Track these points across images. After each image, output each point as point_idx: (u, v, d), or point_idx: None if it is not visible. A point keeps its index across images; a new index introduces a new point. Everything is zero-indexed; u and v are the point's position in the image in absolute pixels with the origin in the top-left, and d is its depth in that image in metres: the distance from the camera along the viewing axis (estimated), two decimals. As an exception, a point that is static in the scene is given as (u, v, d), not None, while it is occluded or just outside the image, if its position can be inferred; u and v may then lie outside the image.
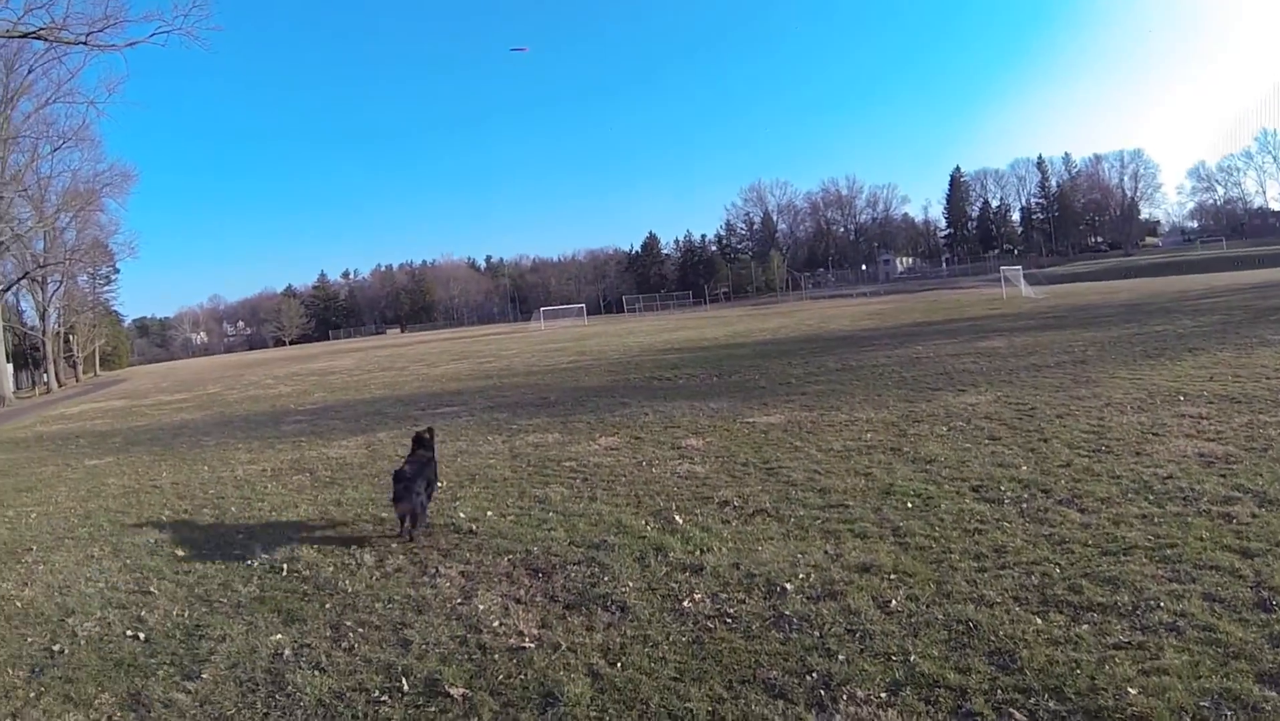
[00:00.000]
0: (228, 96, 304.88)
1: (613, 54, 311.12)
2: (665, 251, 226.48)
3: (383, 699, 5.52)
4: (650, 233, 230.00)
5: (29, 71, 50.92)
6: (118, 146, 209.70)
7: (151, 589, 8.39)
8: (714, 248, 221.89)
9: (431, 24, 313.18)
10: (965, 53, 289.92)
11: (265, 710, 5.53)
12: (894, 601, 6.37)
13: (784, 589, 6.80)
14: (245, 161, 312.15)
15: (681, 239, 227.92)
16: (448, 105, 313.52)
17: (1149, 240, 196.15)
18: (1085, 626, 5.65)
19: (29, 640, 7.29)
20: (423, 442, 10.57)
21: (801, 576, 7.05)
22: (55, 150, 59.72)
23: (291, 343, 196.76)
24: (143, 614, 7.65)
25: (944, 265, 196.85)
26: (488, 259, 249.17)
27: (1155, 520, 7.70)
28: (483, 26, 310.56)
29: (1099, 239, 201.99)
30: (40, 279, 76.17)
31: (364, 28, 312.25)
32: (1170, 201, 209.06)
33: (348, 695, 5.62)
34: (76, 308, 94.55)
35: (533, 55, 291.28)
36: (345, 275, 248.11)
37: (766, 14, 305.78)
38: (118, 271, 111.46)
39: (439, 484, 11.07)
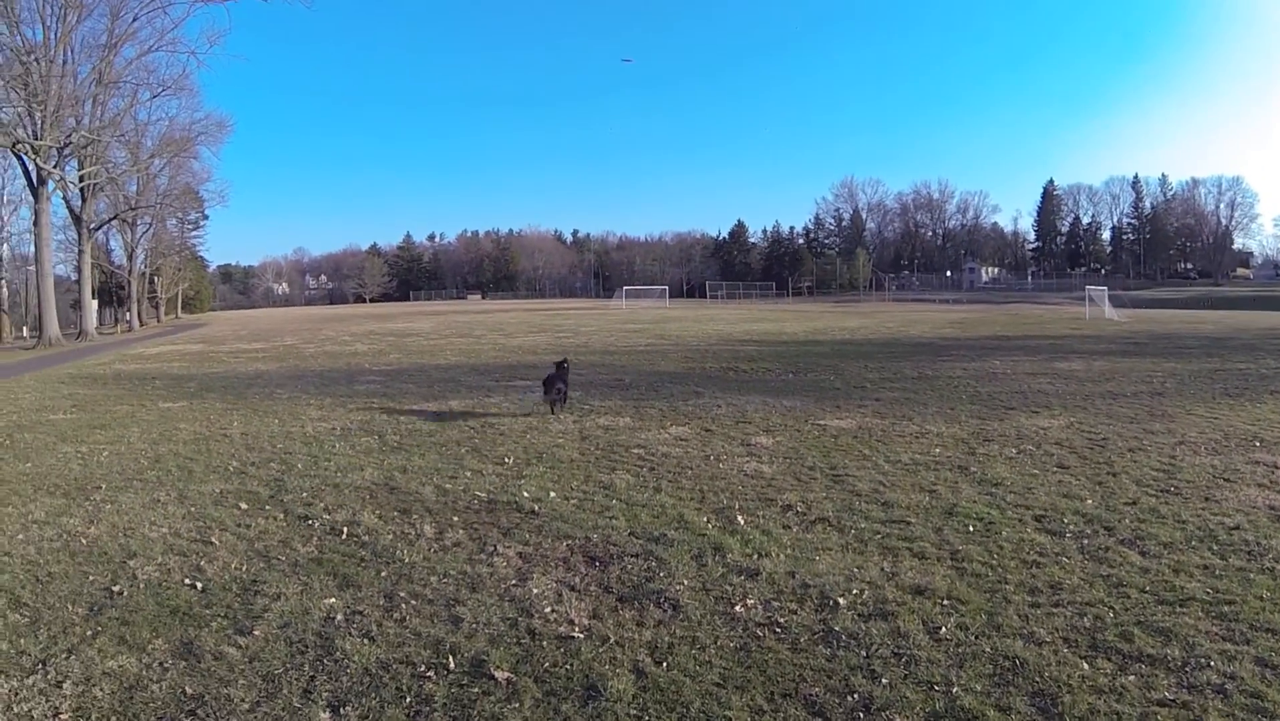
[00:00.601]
0: (326, 55, 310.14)
1: (719, 36, 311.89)
2: (752, 240, 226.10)
3: (428, 674, 5.49)
4: (739, 220, 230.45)
5: (134, 19, 51.79)
6: (215, 97, 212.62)
7: (213, 539, 8.48)
8: (801, 240, 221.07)
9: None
10: (1069, 64, 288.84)
11: (312, 673, 5.53)
12: (944, 628, 6.22)
13: (837, 603, 6.69)
14: (339, 120, 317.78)
15: (769, 229, 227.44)
16: (554, 77, 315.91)
17: (1240, 271, 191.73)
18: (1132, 677, 5.45)
19: (90, 578, 7.39)
20: (561, 367, 17.47)
21: (855, 592, 6.94)
22: (154, 97, 60.59)
23: (372, 300, 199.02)
24: (202, 563, 7.72)
25: (1029, 278, 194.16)
26: (574, 233, 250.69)
27: (1216, 572, 7.43)
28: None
29: (1189, 265, 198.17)
30: (130, 220, 77.84)
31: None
32: (1266, 234, 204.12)
33: (394, 667, 5.60)
34: (163, 250, 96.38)
35: (635, 33, 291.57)
36: (431, 238, 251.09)
37: (870, 9, 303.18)
38: (206, 218, 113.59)
39: (569, 391, 17.22)
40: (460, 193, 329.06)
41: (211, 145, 72.33)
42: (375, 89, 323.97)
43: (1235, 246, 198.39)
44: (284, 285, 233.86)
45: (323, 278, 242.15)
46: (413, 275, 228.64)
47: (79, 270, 57.86)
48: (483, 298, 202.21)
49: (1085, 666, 5.62)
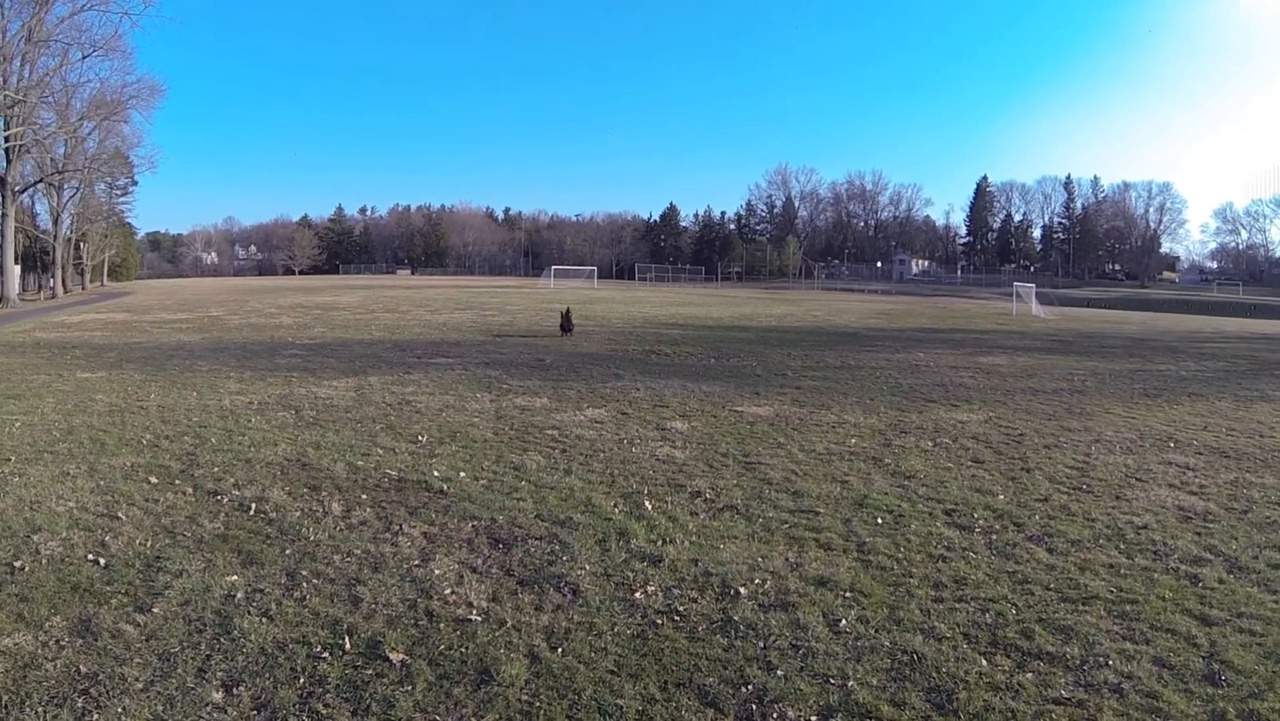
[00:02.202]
0: (262, 22, 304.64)
1: (660, 21, 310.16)
2: (683, 224, 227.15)
3: (323, 655, 5.53)
4: (671, 203, 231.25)
5: (67, -26, 50.71)
6: (148, 60, 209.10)
7: (120, 514, 8.44)
8: (732, 226, 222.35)
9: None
10: (1005, 60, 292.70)
11: (209, 652, 5.54)
12: (844, 621, 6.32)
13: (738, 592, 6.78)
14: (274, 89, 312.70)
15: (701, 213, 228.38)
16: (484, 53, 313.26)
17: (1167, 275, 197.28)
18: (1029, 675, 5.57)
19: (-8, 552, 7.33)
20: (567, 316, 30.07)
21: (757, 582, 7.03)
22: (85, 57, 59.44)
23: (301, 272, 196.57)
24: (107, 539, 7.68)
25: (959, 272, 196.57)
26: (506, 210, 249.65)
27: (1121, 571, 7.61)
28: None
29: (1116, 267, 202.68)
30: (57, 184, 76.49)
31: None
32: (1193, 239, 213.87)
33: (290, 646, 5.64)
34: (90, 216, 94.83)
35: (574, 13, 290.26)
36: (362, 211, 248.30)
37: (810, 4, 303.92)
38: (135, 184, 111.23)
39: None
40: (394, 166, 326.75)
41: (143, 109, 71.16)
42: (310, 59, 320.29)
43: (1163, 250, 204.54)
44: (213, 255, 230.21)
45: (252, 248, 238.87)
46: (343, 248, 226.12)
47: (1, 234, 56.60)
48: (412, 273, 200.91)
49: (984, 662, 5.73)
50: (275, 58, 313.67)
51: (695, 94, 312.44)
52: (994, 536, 8.49)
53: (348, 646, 5.66)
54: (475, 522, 8.38)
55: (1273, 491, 10.74)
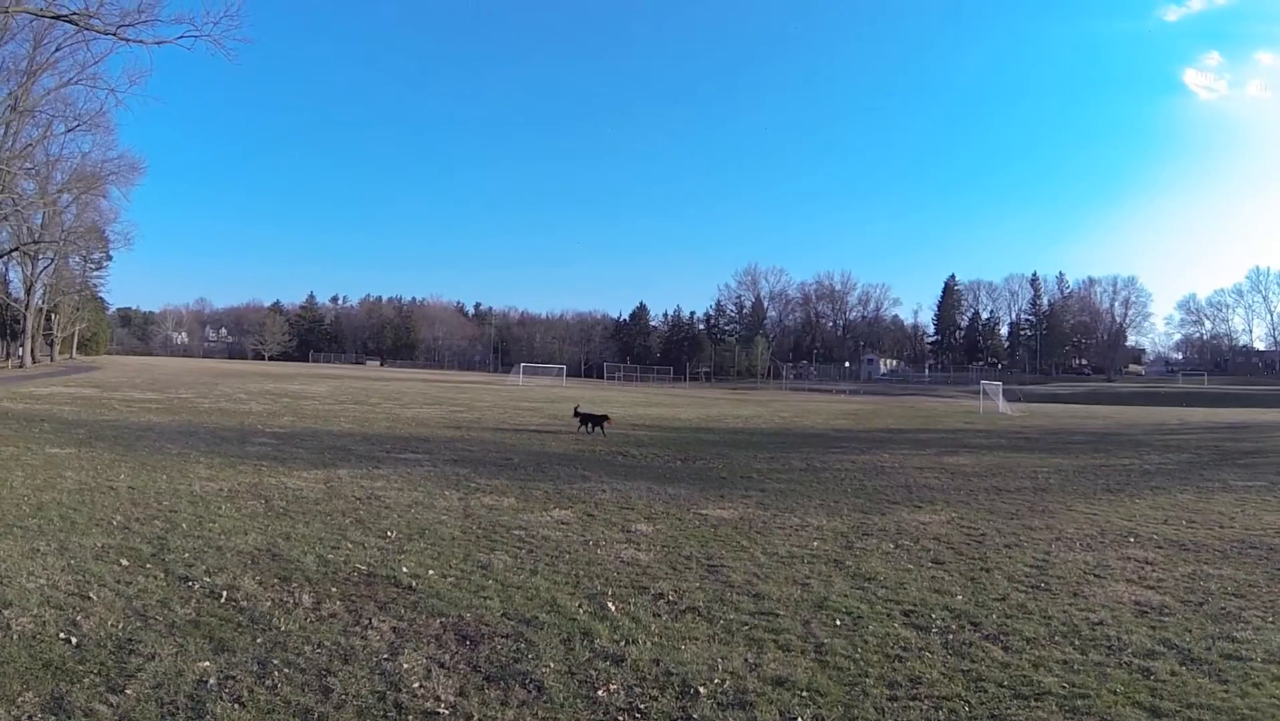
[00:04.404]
0: (243, 105, 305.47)
1: (632, 118, 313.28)
2: (653, 323, 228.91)
3: None
4: (640, 303, 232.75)
5: (56, 49, 51.00)
6: (129, 137, 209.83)
7: (91, 594, 8.51)
8: (701, 326, 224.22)
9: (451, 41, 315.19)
10: (969, 161, 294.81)
11: None
12: (799, 719, 6.43)
13: (697, 692, 6.87)
14: (252, 173, 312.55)
15: (670, 313, 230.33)
16: (465, 139, 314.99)
17: (1133, 367, 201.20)
18: None
19: (-37, 627, 7.38)
20: (576, 412, 32.53)
21: (717, 681, 7.13)
22: (69, 130, 60.07)
23: (271, 358, 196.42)
24: (78, 618, 7.75)
25: (926, 371, 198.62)
26: (476, 305, 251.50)
27: (1075, 667, 7.75)
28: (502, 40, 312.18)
29: (1083, 361, 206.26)
30: (32, 254, 76.44)
31: (383, 53, 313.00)
32: (1158, 331, 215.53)
33: None
34: (63, 288, 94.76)
35: (549, 103, 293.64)
36: (334, 300, 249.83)
37: (771, 100, 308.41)
38: (110, 259, 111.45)
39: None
40: (367, 256, 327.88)
41: (122, 185, 71.43)
42: (288, 142, 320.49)
43: (1129, 343, 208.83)
44: (183, 335, 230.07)
45: (223, 330, 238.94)
46: (314, 336, 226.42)
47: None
48: (382, 364, 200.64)
49: None
50: (250, 139, 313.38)
51: (666, 195, 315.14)
52: (951, 636, 8.63)
53: (320, 735, 5.74)
54: (443, 619, 8.47)
55: (1229, 582, 11.06)
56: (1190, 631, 8.91)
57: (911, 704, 6.83)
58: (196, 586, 9.01)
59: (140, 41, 37.84)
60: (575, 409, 33.46)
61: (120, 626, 7.66)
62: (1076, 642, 8.50)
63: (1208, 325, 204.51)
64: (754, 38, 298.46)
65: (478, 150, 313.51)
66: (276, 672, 6.79)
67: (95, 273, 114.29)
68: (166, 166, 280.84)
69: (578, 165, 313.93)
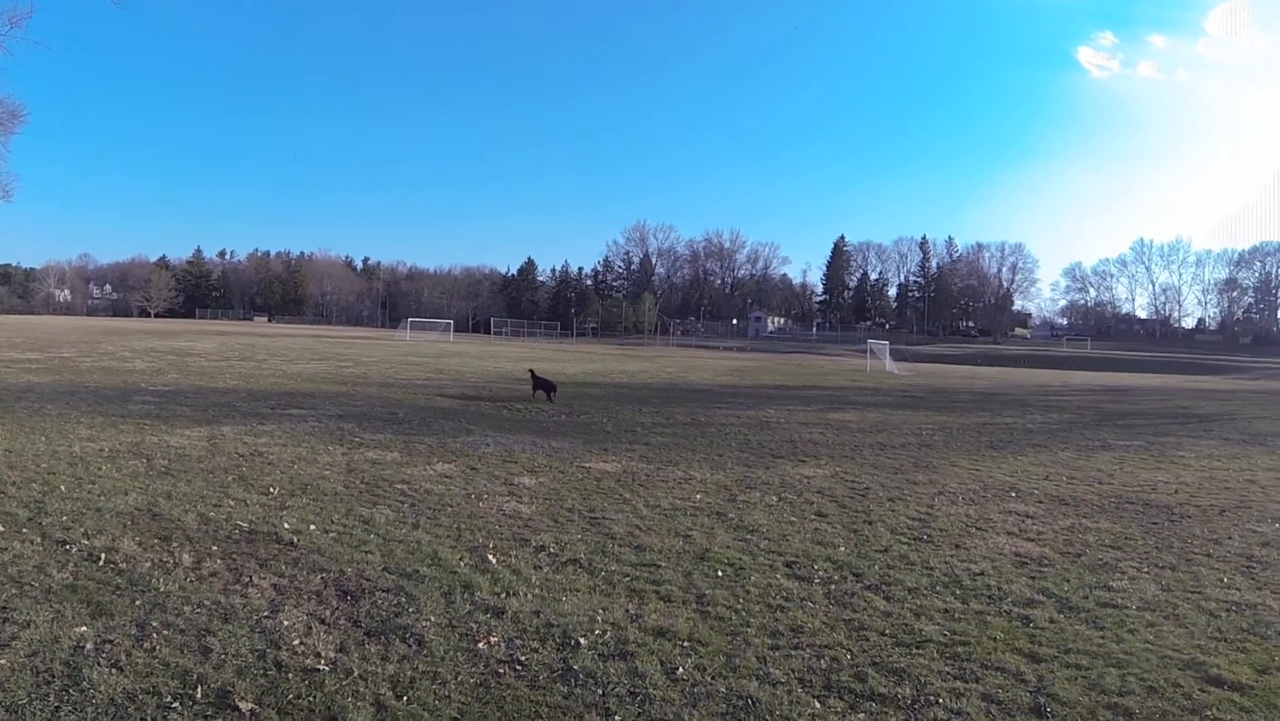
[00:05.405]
0: (127, 50, 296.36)
1: (524, 76, 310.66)
2: (541, 279, 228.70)
3: (173, 705, 5.63)
4: (529, 258, 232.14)
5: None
6: (9, 82, 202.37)
7: (-36, 563, 8.38)
8: (589, 282, 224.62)
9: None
10: (865, 126, 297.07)
11: (57, 704, 5.58)
12: (681, 669, 6.57)
13: (578, 643, 7.00)
14: (137, 123, 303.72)
15: (558, 268, 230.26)
16: (356, 92, 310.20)
17: (1019, 331, 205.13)
18: (861, 715, 5.88)
19: None
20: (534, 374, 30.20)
21: (597, 632, 7.26)
22: (-60, 76, 57.65)
23: (157, 315, 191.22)
24: (-50, 588, 7.63)
25: (814, 330, 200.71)
26: (365, 260, 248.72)
27: (956, 615, 8.01)
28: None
29: (970, 324, 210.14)
30: (-101, 211, 73.69)
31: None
32: (1044, 296, 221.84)
33: (140, 697, 5.72)
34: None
35: (438, 58, 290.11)
36: (221, 254, 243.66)
37: (673, 65, 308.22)
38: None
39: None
40: (254, 209, 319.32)
41: (2, 134, 69.23)
42: (175, 92, 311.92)
43: (1015, 308, 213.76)
44: (66, 292, 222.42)
45: (107, 287, 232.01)
46: (201, 292, 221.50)
47: None
48: (269, 320, 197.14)
49: (817, 705, 6.05)
50: (137, 87, 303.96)
51: (555, 152, 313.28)
52: (833, 586, 8.84)
53: (198, 696, 5.77)
54: (324, 575, 8.52)
55: (1106, 535, 11.54)
56: (1068, 581, 9.29)
57: (794, 652, 7.01)
58: (74, 549, 8.90)
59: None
60: (530, 371, 32.41)
61: (-6, 593, 7.55)
62: (958, 592, 8.80)
63: (1092, 293, 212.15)
64: (649, 2, 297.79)
65: (369, 104, 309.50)
66: (155, 634, 6.77)
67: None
68: (49, 115, 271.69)
69: (469, 119, 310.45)
